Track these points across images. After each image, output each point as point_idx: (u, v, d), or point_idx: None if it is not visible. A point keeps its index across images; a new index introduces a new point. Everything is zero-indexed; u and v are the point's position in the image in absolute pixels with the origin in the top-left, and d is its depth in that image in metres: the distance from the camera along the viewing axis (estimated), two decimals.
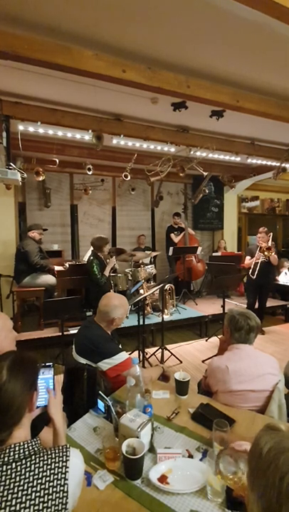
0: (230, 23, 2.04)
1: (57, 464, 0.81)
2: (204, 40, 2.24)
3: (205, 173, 4.92)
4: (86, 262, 4.12)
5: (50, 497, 0.76)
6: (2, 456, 0.78)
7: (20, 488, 0.75)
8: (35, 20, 2.05)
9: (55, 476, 0.79)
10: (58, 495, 0.77)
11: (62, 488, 0.78)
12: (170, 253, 5.36)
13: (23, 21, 2.06)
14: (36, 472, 0.78)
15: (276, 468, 0.59)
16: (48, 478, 0.78)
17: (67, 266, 4.39)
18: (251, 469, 0.64)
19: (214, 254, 6.25)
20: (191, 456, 1.18)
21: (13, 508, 0.72)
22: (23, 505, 0.73)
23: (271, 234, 4.43)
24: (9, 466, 0.77)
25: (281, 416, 1.50)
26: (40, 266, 4.02)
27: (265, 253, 4.18)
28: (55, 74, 2.45)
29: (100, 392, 1.44)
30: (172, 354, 3.56)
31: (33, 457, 0.80)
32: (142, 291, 3.89)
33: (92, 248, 4.12)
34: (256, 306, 4.52)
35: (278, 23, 1.85)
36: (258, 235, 4.45)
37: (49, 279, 4.12)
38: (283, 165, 5.02)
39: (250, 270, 4.31)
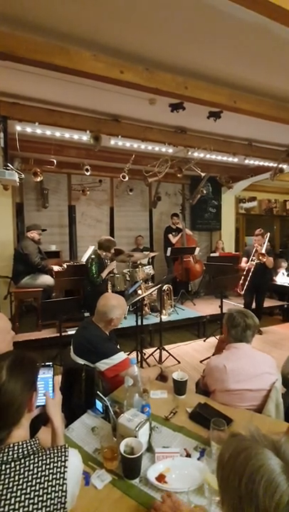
0: (228, 24, 2.05)
1: (56, 464, 0.81)
2: (202, 41, 2.25)
3: (203, 174, 4.94)
4: (86, 261, 4.12)
5: (48, 496, 0.76)
6: (1, 455, 0.79)
7: (20, 487, 0.75)
8: (33, 20, 2.05)
9: (54, 476, 0.79)
10: (56, 494, 0.77)
11: (60, 487, 0.78)
12: (168, 254, 5.36)
13: (20, 22, 2.05)
14: (35, 471, 0.78)
15: (235, 473, 0.55)
16: (46, 478, 0.78)
17: (65, 266, 4.38)
18: (219, 484, 0.61)
19: (212, 254, 6.24)
20: (189, 456, 1.18)
21: (12, 507, 0.73)
22: (22, 504, 0.73)
23: (268, 234, 4.47)
24: (8, 466, 0.77)
25: (278, 415, 1.51)
26: (42, 266, 4.06)
27: (260, 257, 4.29)
28: (53, 74, 2.45)
29: (98, 392, 1.44)
30: (170, 354, 3.57)
31: (32, 457, 0.80)
32: (140, 291, 3.90)
33: (93, 248, 4.11)
34: (253, 306, 4.54)
35: (276, 24, 1.86)
36: (254, 237, 4.48)
37: (47, 279, 4.12)
38: (280, 166, 5.05)
39: (242, 279, 4.42)
